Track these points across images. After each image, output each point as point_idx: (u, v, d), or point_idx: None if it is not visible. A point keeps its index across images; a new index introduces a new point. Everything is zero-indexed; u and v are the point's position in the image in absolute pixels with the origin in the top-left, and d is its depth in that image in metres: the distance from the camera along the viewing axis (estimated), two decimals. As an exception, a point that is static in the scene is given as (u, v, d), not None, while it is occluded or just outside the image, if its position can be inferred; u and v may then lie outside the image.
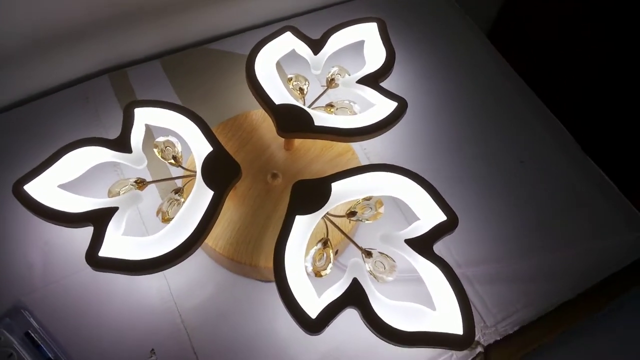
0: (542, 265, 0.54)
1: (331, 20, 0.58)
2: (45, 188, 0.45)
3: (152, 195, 0.55)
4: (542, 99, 0.68)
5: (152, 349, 0.47)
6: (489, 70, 0.71)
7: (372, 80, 0.54)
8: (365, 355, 0.49)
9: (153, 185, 0.55)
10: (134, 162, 0.48)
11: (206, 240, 0.50)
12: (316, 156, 0.55)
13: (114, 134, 0.59)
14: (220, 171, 0.47)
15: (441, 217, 0.45)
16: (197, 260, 0.52)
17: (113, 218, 0.44)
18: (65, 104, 0.60)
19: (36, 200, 0.44)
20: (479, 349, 0.49)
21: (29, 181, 0.45)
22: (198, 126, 0.49)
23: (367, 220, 0.47)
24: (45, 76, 0.61)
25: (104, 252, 0.42)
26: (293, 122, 0.50)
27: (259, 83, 0.52)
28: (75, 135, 0.58)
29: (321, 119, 0.51)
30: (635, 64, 0.77)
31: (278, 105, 0.51)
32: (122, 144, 0.48)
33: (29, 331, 0.47)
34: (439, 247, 0.55)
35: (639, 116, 0.78)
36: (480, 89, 0.69)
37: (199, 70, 0.65)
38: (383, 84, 0.54)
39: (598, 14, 0.80)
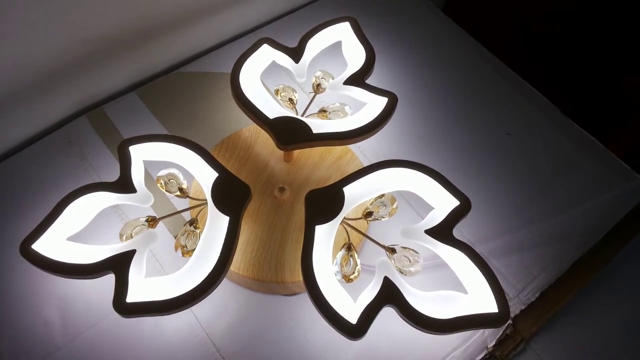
0: (549, 230, 0.57)
1: (299, 25, 0.58)
2: (54, 243, 0.44)
3: (160, 231, 0.54)
4: (512, 69, 0.71)
5: (193, 384, 0.47)
6: (456, 47, 0.73)
7: (358, 80, 0.54)
8: (401, 348, 0.50)
9: (161, 221, 0.54)
10: (141, 201, 0.47)
11: (227, 266, 0.49)
12: (317, 163, 0.56)
13: (105, 174, 0.58)
14: (231, 195, 0.46)
15: (454, 202, 0.47)
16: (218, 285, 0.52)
17: (133, 261, 0.43)
18: (49, 151, 0.58)
19: (48, 258, 0.42)
20: (508, 321, 0.51)
21: (36, 239, 0.43)
22: (198, 153, 0.48)
23: (384, 217, 0.48)
24: (23, 126, 0.58)
25: (131, 297, 0.41)
26: (291, 134, 0.50)
27: (250, 101, 0.52)
28: (66, 181, 0.57)
29: (318, 126, 0.51)
30: (596, 16, 0.79)
31: (273, 119, 0.51)
32: (124, 185, 0.47)
33: (63, 391, 0.45)
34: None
35: (605, 71, 0.81)
36: (454, 69, 0.70)
37: (178, 95, 0.64)
38: (368, 81, 0.55)
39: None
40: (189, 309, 0.50)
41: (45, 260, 0.42)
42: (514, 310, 0.52)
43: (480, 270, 0.43)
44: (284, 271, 0.49)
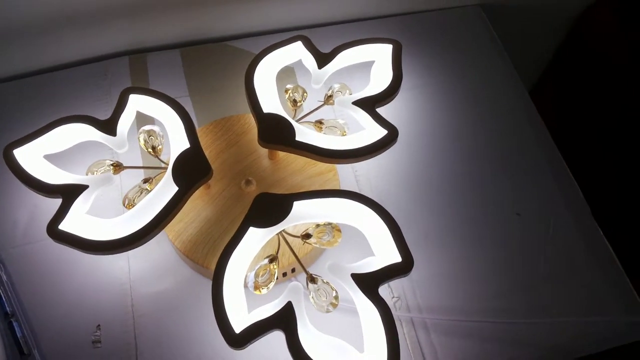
0: (512, 329, 0.51)
1: (356, 34, 0.57)
2: (32, 155, 0.48)
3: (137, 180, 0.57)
4: (564, 157, 0.63)
5: (99, 325, 0.49)
6: (510, 112, 0.67)
7: (368, 104, 0.53)
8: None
9: (141, 170, 0.57)
10: (116, 146, 0.50)
11: (168, 234, 0.51)
12: (297, 170, 0.55)
13: (120, 113, 0.62)
14: (190, 169, 0.47)
15: (396, 257, 0.43)
16: (163, 249, 0.54)
17: (81, 195, 0.46)
18: (85, 78, 0.64)
19: (20, 165, 0.47)
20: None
21: (19, 146, 0.48)
22: (182, 121, 0.50)
23: (322, 245, 0.46)
24: (72, 48, 0.64)
25: (65, 226, 0.44)
26: (274, 133, 0.50)
27: (254, 88, 0.52)
28: (83, 107, 0.62)
29: (305, 135, 0.50)
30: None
31: (265, 113, 0.51)
32: (109, 127, 0.50)
33: (-4, 284, 0.50)
34: (403, 286, 0.53)
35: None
36: (497, 130, 0.65)
37: (215, 65, 0.66)
38: (391, 106, 0.53)
39: None
40: (126, 259, 0.53)
41: (15, 165, 0.47)
42: (428, 394, 0.47)
43: (387, 337, 0.40)
44: (212, 259, 0.49)
